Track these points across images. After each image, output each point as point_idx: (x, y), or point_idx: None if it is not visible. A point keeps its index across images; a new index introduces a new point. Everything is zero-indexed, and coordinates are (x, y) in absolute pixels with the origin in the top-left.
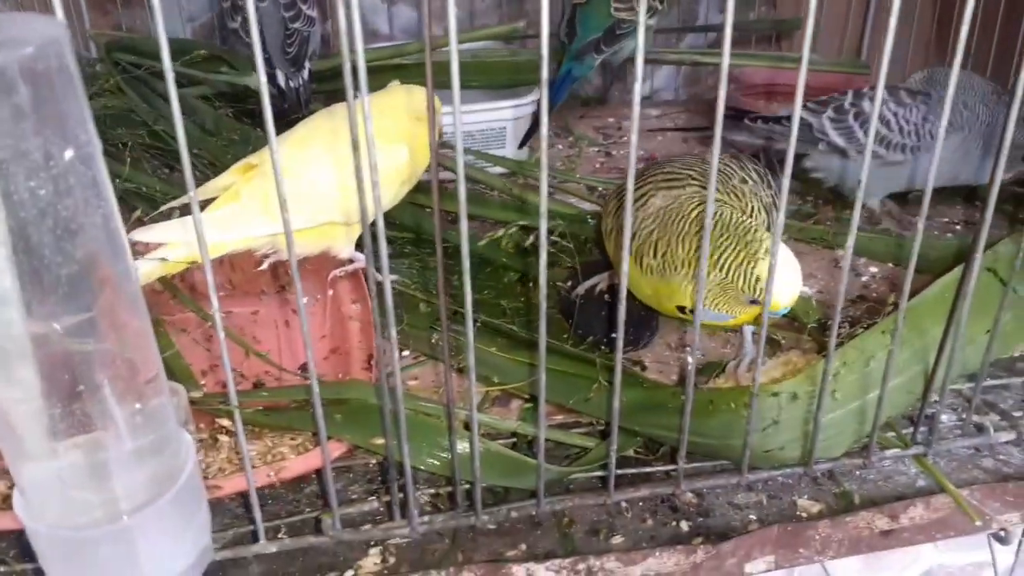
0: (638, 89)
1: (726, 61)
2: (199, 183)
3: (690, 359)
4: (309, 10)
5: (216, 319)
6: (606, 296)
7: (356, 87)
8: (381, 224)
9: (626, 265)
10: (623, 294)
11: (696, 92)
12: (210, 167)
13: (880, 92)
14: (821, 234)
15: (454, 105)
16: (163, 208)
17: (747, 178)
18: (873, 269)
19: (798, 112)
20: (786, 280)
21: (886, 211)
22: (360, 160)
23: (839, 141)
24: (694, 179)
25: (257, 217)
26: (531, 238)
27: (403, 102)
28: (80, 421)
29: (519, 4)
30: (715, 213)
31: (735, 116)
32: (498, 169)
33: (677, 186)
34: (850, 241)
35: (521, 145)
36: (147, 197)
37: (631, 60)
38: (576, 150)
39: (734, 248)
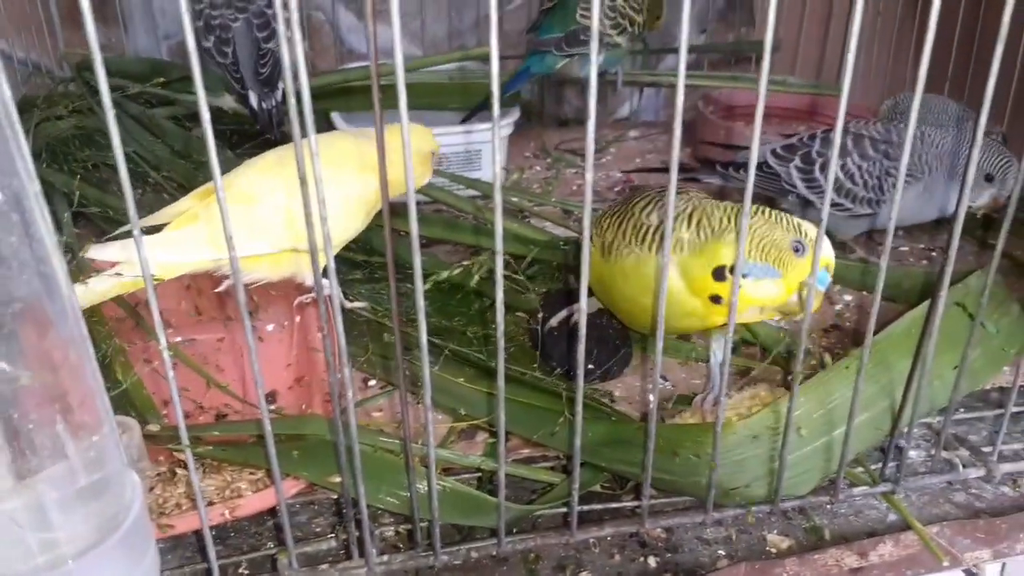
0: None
1: (680, 95)
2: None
3: (652, 397)
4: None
5: (164, 355)
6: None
7: (302, 120)
8: (331, 255)
9: (584, 290)
10: (583, 322)
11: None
12: (180, 189)
13: (835, 161)
14: None
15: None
16: (121, 230)
17: (726, 219)
18: (848, 297)
19: (755, 153)
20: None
21: (859, 241)
22: (307, 194)
23: (807, 195)
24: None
25: (212, 240)
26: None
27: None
28: (18, 462)
29: (499, 26)
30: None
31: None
32: (472, 192)
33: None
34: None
35: (463, 121)
36: (115, 220)
37: (602, 79)
38: (554, 171)
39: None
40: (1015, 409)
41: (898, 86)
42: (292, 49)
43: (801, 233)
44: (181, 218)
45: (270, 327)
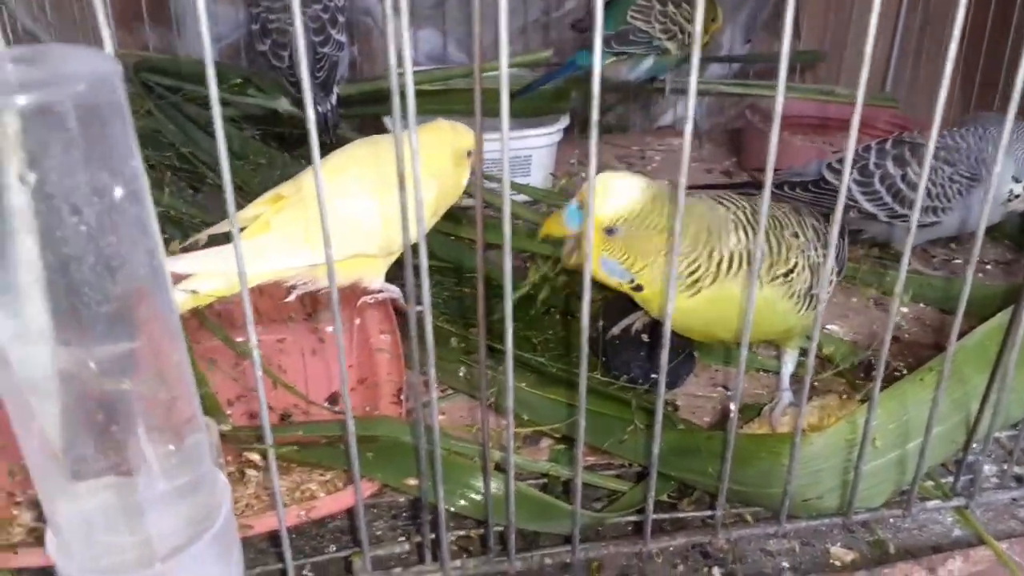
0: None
1: (776, 123)
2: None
3: (732, 406)
4: (338, 35)
5: (255, 357)
6: (643, 336)
7: (404, 114)
8: (425, 259)
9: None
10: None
11: (719, 122)
12: (238, 191)
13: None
14: (852, 272)
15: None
16: (193, 239)
17: (800, 233)
18: (904, 309)
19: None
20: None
21: (914, 251)
22: (404, 196)
23: (868, 207)
24: (738, 214)
25: (287, 249)
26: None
27: (445, 141)
28: (113, 461)
29: (543, 32)
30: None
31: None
32: (522, 197)
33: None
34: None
35: (527, 90)
36: (174, 220)
37: (651, 86)
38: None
39: None
40: None
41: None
42: (397, 37)
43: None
44: (253, 227)
45: (330, 328)
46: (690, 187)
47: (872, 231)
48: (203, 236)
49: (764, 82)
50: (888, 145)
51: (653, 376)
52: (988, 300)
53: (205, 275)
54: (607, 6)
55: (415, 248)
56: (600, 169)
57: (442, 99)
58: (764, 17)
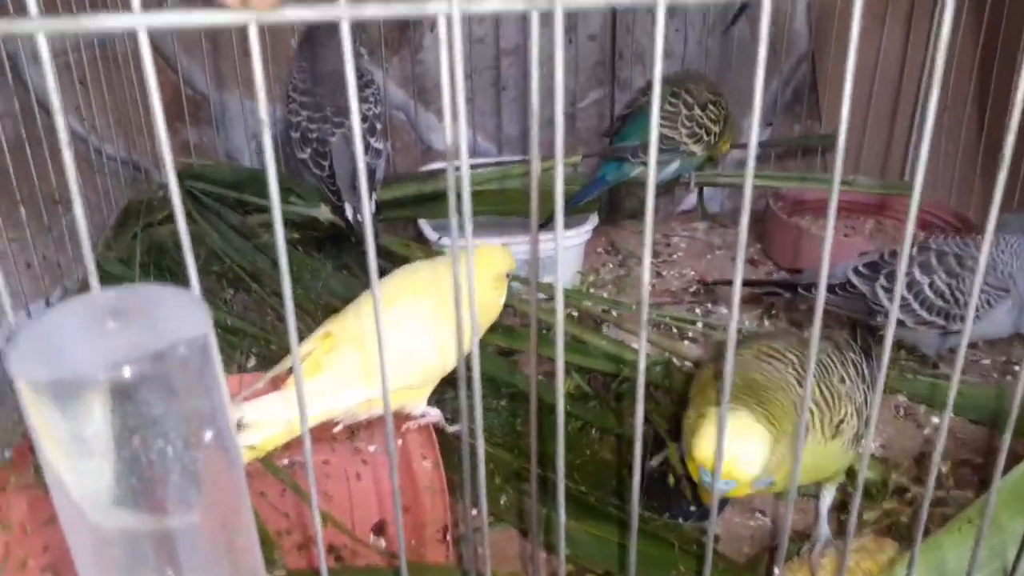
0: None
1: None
2: (270, 322)
3: (777, 570)
4: (377, 143)
5: (316, 519)
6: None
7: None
8: (479, 393)
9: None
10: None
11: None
12: (278, 299)
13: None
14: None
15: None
16: (253, 386)
17: (846, 376)
18: (935, 419)
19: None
20: (707, 439)
21: (944, 354)
22: (460, 324)
23: (899, 315)
24: (793, 367)
25: (339, 391)
26: (583, 380)
27: (485, 265)
28: None
29: (569, 121)
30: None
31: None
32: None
33: (776, 361)
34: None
35: (542, 226)
36: (217, 333)
37: (677, 182)
38: (625, 270)
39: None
40: None
41: (965, 183)
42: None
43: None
44: (305, 367)
45: (372, 447)
46: (720, 282)
47: (899, 335)
48: (266, 377)
49: (785, 174)
50: (915, 251)
51: (693, 510)
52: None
53: (257, 425)
54: (632, 115)
55: (465, 371)
56: (626, 259)
57: (490, 198)
58: (784, 100)
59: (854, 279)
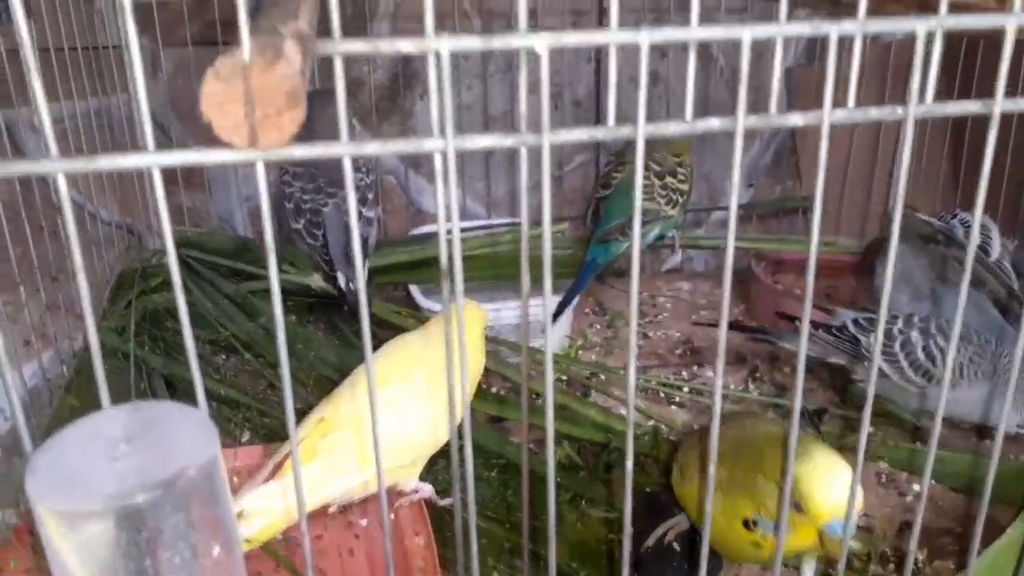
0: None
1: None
2: (264, 391)
3: None
4: (369, 211)
5: None
6: (675, 544)
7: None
8: (470, 466)
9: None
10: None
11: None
12: (273, 370)
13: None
14: (855, 443)
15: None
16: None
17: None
18: (917, 487)
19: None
20: (830, 486)
21: (922, 420)
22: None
23: (883, 366)
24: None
25: (335, 476)
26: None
27: (474, 325)
28: None
29: (555, 184)
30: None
31: (787, 318)
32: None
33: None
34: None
35: (554, 319)
36: (211, 396)
37: (661, 243)
38: (613, 331)
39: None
40: None
41: None
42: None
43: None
44: (299, 454)
45: (364, 522)
46: (704, 322)
47: (878, 387)
48: (268, 467)
49: (765, 236)
50: (917, 319)
51: None
52: (1010, 480)
53: (251, 515)
54: (610, 197)
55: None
56: (613, 320)
57: (479, 263)
58: (765, 163)
59: (851, 326)
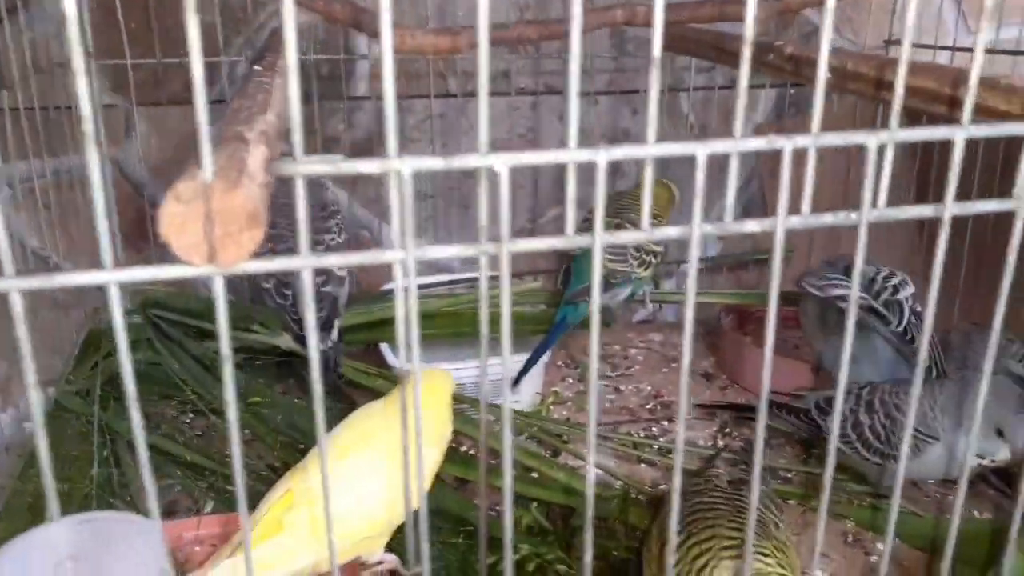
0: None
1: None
2: (230, 455)
3: None
4: (340, 271)
5: None
6: None
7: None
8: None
9: None
10: None
11: (698, 318)
12: (243, 432)
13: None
14: (831, 505)
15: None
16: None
17: (778, 521)
18: (881, 546)
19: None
20: None
21: (885, 488)
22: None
23: (844, 449)
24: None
25: (300, 549)
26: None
27: (441, 393)
28: None
29: (528, 236)
30: None
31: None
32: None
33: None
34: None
35: (515, 383)
36: (177, 462)
37: (631, 301)
38: (584, 385)
39: None
40: None
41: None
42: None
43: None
44: (264, 526)
45: None
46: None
47: (850, 463)
48: (227, 550)
49: (730, 291)
50: (865, 392)
51: None
52: (974, 539)
53: None
54: (580, 258)
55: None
56: (584, 373)
57: (443, 321)
58: (736, 214)
59: (814, 411)
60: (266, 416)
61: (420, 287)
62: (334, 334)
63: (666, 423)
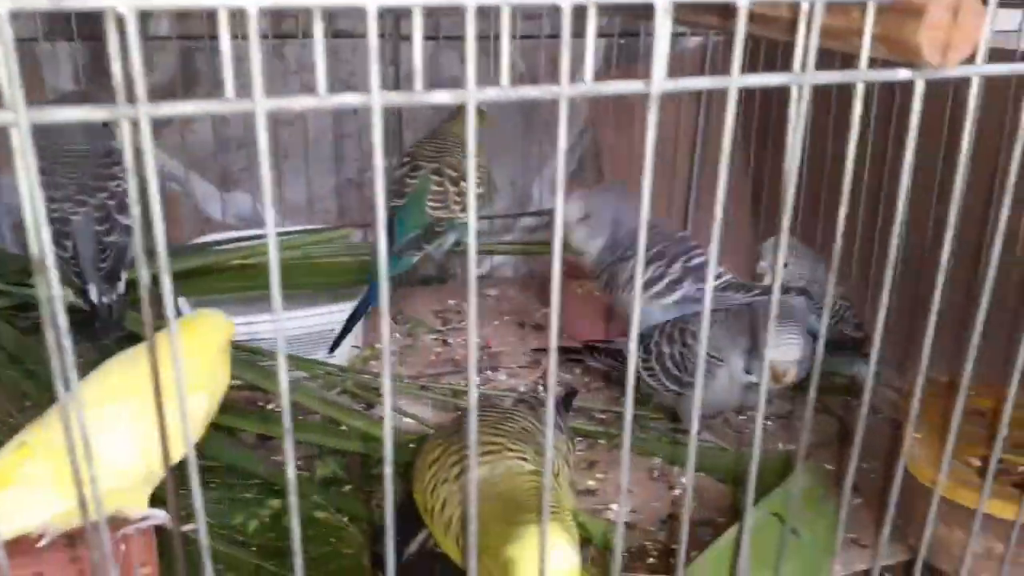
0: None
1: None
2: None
3: None
4: (126, 219)
5: None
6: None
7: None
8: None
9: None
10: None
11: (534, 268)
12: (15, 402)
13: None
14: (637, 441)
15: None
16: None
17: (557, 443)
18: (683, 479)
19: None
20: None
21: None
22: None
23: (650, 382)
24: (510, 448)
25: (32, 504)
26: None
27: (211, 334)
28: None
29: (356, 190)
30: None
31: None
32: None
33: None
34: None
35: (332, 350)
36: None
37: (457, 249)
38: (412, 339)
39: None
40: None
41: (740, 251)
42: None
43: None
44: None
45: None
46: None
47: (659, 399)
48: None
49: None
50: (668, 325)
51: None
52: (773, 470)
53: None
54: (403, 208)
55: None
56: (414, 328)
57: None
58: (571, 168)
59: (623, 348)
60: (35, 372)
61: (227, 241)
62: (120, 286)
63: (490, 372)
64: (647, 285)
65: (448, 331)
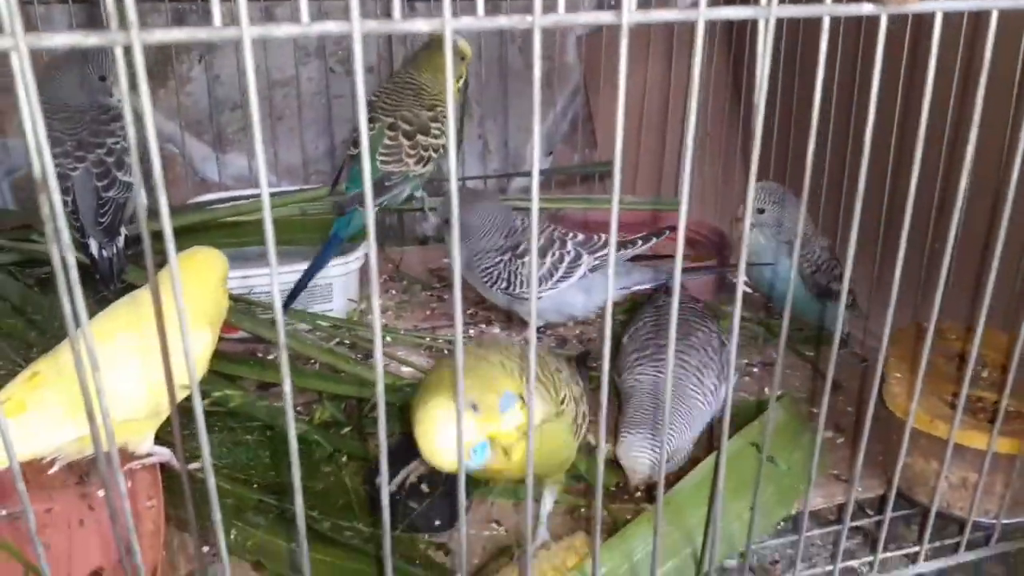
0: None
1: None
2: (11, 372)
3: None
4: (125, 176)
5: None
6: (422, 486)
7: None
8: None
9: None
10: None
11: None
12: (16, 350)
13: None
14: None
15: None
16: None
17: (561, 368)
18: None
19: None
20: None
21: None
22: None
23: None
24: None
25: (45, 429)
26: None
27: (209, 270)
28: None
29: (329, 158)
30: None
31: None
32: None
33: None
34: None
35: (286, 306)
36: None
37: (408, 205)
38: (408, 295)
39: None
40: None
41: (729, 201)
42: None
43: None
44: (7, 407)
45: (101, 492)
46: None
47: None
48: None
49: (565, 195)
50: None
51: (437, 524)
52: (745, 414)
53: None
54: (355, 157)
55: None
56: (410, 285)
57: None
58: (563, 131)
59: None
60: (40, 324)
61: (223, 200)
62: (120, 241)
63: (484, 326)
64: (551, 275)
65: (443, 287)
